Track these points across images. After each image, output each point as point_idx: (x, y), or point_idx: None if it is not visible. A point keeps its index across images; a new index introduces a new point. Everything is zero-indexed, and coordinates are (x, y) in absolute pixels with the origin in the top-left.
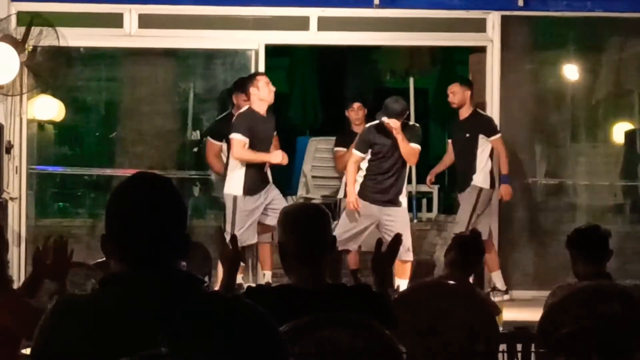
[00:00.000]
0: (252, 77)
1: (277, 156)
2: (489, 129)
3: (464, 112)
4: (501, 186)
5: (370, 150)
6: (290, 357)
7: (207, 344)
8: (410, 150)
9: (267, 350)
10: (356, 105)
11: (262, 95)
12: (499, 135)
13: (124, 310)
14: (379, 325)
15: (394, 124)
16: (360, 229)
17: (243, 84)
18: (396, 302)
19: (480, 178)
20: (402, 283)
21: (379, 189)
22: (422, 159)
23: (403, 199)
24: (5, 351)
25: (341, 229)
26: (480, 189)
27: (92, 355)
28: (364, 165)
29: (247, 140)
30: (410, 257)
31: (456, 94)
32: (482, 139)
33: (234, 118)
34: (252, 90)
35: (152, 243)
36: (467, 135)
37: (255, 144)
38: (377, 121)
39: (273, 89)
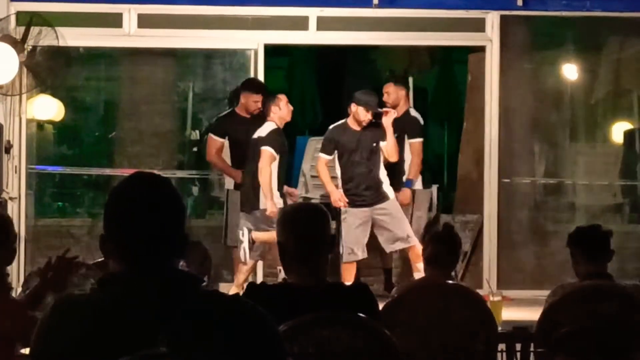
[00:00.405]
0: (273, 97)
1: (272, 209)
2: (411, 130)
3: (398, 112)
4: (402, 189)
5: (336, 152)
6: (288, 356)
7: (206, 344)
8: (395, 144)
9: (266, 349)
10: None
11: (283, 114)
12: (419, 139)
13: (123, 310)
14: (378, 324)
15: (392, 113)
16: (365, 235)
17: (254, 84)
18: (394, 302)
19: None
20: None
21: (361, 189)
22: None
23: (388, 189)
24: (1, 354)
25: (350, 244)
26: (413, 190)
27: (91, 355)
28: (338, 172)
29: (277, 157)
30: (412, 242)
31: (390, 94)
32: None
33: (269, 132)
34: (273, 108)
35: (151, 243)
36: (397, 135)
37: (282, 160)
38: (340, 122)
39: (291, 108)
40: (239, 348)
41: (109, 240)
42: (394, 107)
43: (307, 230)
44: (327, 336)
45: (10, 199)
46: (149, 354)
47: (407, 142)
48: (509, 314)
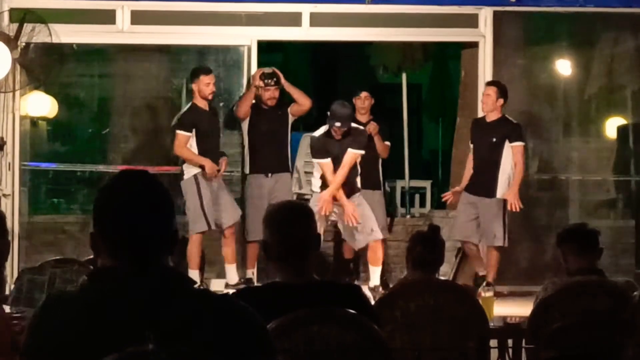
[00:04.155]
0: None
1: None
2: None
3: None
4: None
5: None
6: (277, 355)
7: (194, 342)
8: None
9: (254, 348)
10: (364, 94)
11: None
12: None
13: (113, 306)
14: (368, 321)
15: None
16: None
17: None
18: (385, 298)
19: None
20: (375, 271)
21: None
22: (416, 154)
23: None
24: None
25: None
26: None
27: (81, 350)
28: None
29: None
30: (375, 237)
31: None
32: None
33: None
34: None
35: (141, 240)
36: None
37: None
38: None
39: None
40: (226, 346)
41: (99, 238)
42: None
43: (292, 230)
44: (318, 332)
45: (4, 195)
46: (137, 351)
47: None
48: (501, 310)
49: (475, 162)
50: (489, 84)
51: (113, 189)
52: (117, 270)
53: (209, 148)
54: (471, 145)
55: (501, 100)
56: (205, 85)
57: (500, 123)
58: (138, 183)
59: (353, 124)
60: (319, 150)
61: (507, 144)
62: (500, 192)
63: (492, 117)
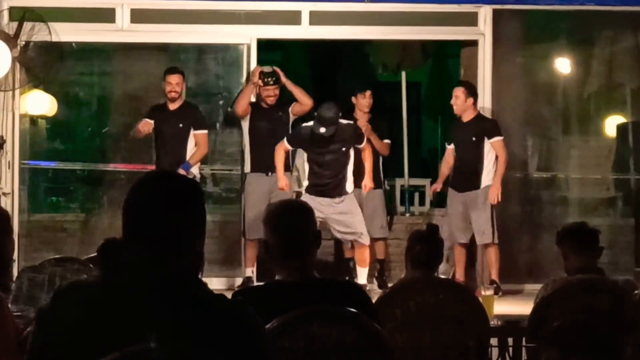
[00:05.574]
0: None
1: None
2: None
3: None
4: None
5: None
6: (275, 355)
7: (194, 342)
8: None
9: (253, 349)
10: (368, 92)
11: None
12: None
13: (121, 299)
14: (369, 320)
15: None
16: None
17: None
18: (385, 297)
19: None
20: (362, 272)
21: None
22: (415, 152)
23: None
24: None
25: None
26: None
27: (87, 343)
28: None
29: None
30: (363, 241)
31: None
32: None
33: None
34: None
35: (152, 239)
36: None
37: None
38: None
39: None
40: (226, 350)
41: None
42: None
43: (291, 228)
44: (318, 331)
45: (4, 194)
46: (138, 350)
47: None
48: (501, 308)
49: (457, 162)
50: (457, 84)
51: (135, 186)
52: (130, 264)
53: (165, 149)
54: (447, 146)
55: (471, 99)
56: (167, 84)
57: (477, 122)
58: (160, 182)
59: (342, 120)
60: (294, 138)
61: (486, 141)
62: (484, 183)
63: (468, 116)
